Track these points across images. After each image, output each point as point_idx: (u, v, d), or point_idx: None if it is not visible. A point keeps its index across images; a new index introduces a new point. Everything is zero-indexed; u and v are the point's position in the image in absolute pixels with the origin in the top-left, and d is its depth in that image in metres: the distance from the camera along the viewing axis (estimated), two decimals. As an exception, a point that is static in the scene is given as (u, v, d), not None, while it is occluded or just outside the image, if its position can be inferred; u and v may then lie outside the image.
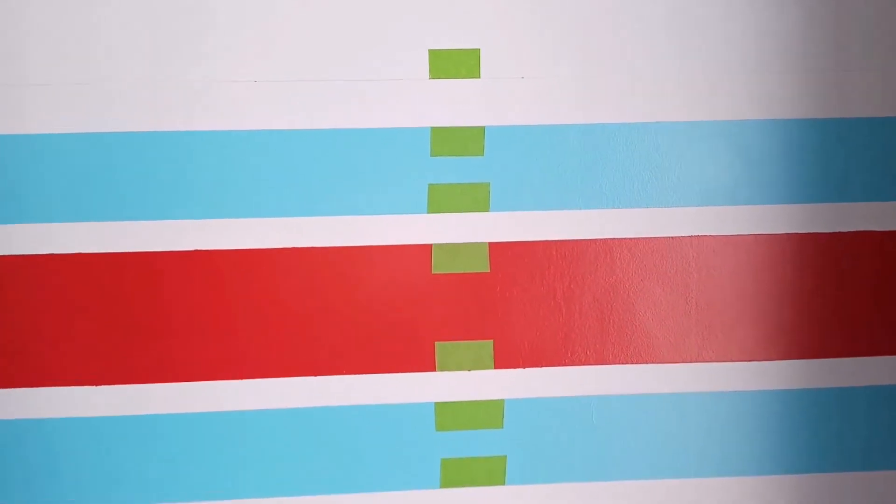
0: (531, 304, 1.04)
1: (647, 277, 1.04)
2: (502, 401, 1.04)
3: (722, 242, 1.05)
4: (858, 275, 1.05)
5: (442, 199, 1.02)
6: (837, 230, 1.05)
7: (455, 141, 1.01)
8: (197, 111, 0.97)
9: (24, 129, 0.96)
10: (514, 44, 1.01)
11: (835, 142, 1.04)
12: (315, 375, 1.02)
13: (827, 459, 1.07)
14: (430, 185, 1.01)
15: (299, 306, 1.01)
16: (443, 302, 1.03)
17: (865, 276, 1.06)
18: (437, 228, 1.02)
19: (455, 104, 1.01)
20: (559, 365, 1.04)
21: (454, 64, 1.01)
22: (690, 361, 1.05)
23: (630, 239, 1.04)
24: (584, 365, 1.04)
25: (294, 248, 1.01)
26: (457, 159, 1.02)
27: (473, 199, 1.02)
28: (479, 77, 1.01)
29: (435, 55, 1.00)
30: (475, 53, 1.01)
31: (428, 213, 1.02)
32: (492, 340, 1.04)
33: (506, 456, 1.05)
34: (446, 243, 1.02)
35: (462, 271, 1.03)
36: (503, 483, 1.05)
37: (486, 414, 1.04)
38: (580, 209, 1.03)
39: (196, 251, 0.99)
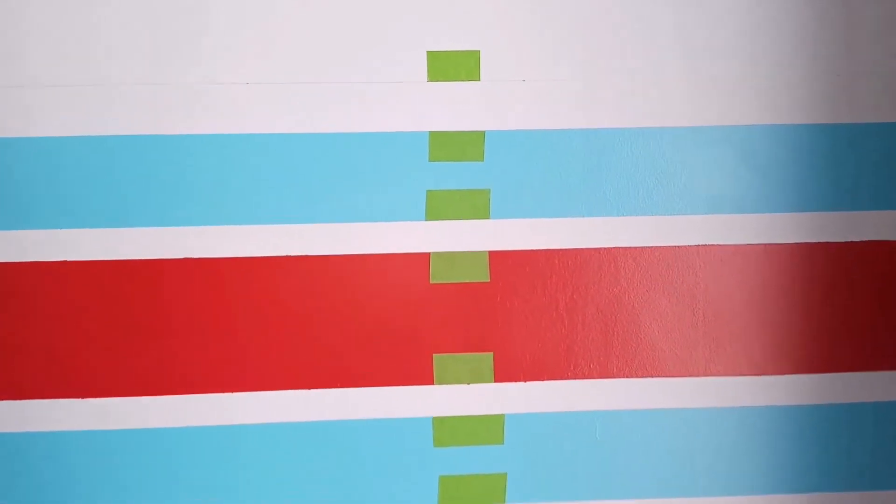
0: (532, 315, 1.03)
1: (653, 288, 1.04)
2: (502, 415, 1.03)
3: (730, 252, 1.04)
4: (870, 286, 1.05)
5: (440, 206, 1.01)
6: (848, 239, 1.04)
7: (454, 145, 1.01)
8: (197, 111, 0.97)
9: (24, 132, 0.97)
10: (514, 45, 1.01)
11: (845, 147, 1.03)
12: (307, 389, 1.02)
13: (837, 477, 1.06)
14: (428, 191, 1.01)
15: (288, 316, 1.01)
16: (441, 312, 1.02)
17: (877, 288, 1.05)
18: (435, 236, 1.01)
19: (454, 107, 1.00)
20: (561, 378, 1.04)
21: (453, 66, 1.00)
22: (697, 375, 1.05)
23: (635, 248, 1.03)
24: (587, 378, 1.04)
25: (285, 257, 1.00)
26: (456, 164, 1.01)
27: (473, 205, 1.01)
28: (479, 79, 1.00)
29: (433, 57, 1.00)
30: (475, 55, 1.00)
31: (426, 220, 1.01)
32: (492, 353, 1.03)
33: (506, 473, 1.04)
34: (445, 252, 1.02)
35: (461, 281, 1.02)
36: (503, 501, 1.04)
37: (486, 429, 1.03)
38: (583, 217, 1.02)
39: (185, 259, 0.99)
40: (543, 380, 1.03)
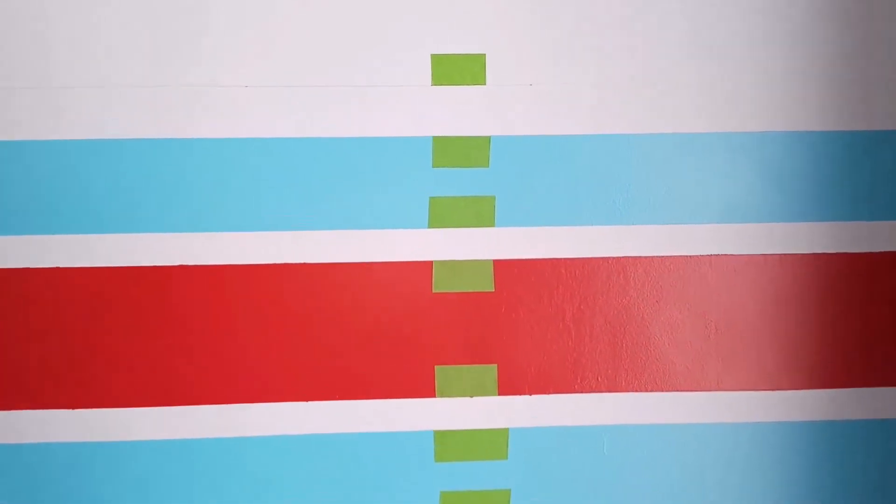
0: (538, 325, 1.02)
1: (663, 299, 1.03)
2: (506, 430, 1.02)
3: (743, 262, 1.03)
4: (887, 298, 1.04)
5: (444, 213, 1.01)
6: (865, 250, 1.03)
7: (458, 151, 1.00)
8: (197, 112, 0.97)
9: (22, 135, 0.97)
10: (521, 48, 1.00)
11: (861, 155, 1.02)
12: (304, 401, 1.01)
13: (851, 496, 1.04)
14: (431, 198, 1.00)
15: (284, 325, 1.00)
16: (444, 323, 1.01)
17: (895, 300, 1.04)
18: (438, 244, 1.01)
19: (458, 112, 1.00)
20: (568, 392, 1.03)
21: (458, 69, 1.00)
22: (709, 389, 1.04)
23: (645, 257, 1.02)
24: (594, 392, 1.03)
25: (283, 265, 1.00)
26: (460, 171, 1.00)
27: (477, 213, 1.01)
28: (485, 83, 1.00)
29: (438, 60, 1.00)
30: (480, 59, 1.00)
31: (429, 227, 1.01)
32: (496, 365, 1.02)
33: (510, 490, 1.03)
34: (448, 260, 1.01)
35: (465, 290, 1.01)
36: (507, 518, 1.03)
37: (489, 444, 1.02)
38: (591, 225, 1.02)
39: (181, 266, 0.99)
40: (549, 393, 1.02)
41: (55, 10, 0.96)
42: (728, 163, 1.02)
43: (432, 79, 0.99)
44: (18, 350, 0.98)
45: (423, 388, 1.01)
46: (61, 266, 0.97)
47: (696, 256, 1.02)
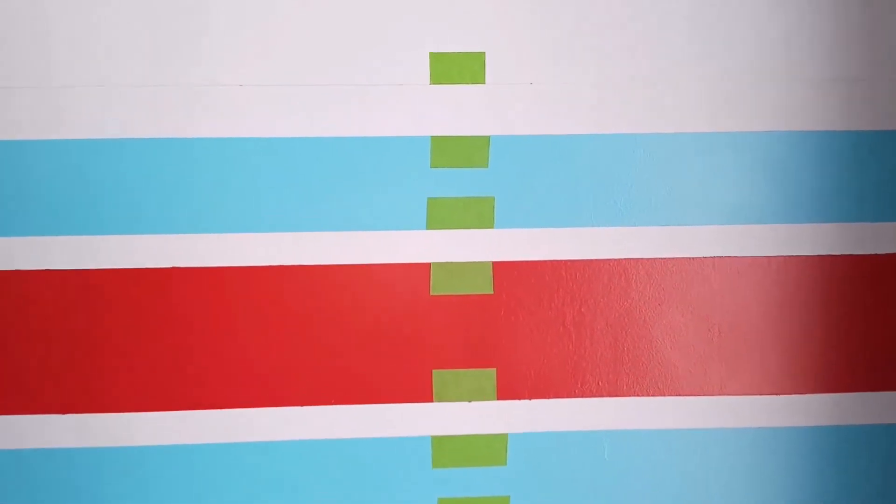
0: (538, 329, 1.02)
1: (666, 301, 1.03)
2: (505, 435, 1.02)
3: (747, 264, 1.03)
4: (893, 301, 1.03)
5: (442, 215, 1.00)
6: (871, 251, 1.03)
7: (457, 151, 1.00)
8: (197, 112, 0.98)
9: (22, 135, 0.97)
10: (521, 47, 1.00)
11: (866, 155, 1.02)
12: (298, 406, 1.00)
13: (856, 501, 1.04)
14: (429, 198, 1.00)
15: (280, 329, 1.00)
16: (442, 326, 1.01)
17: None
18: (436, 246, 1.00)
19: (457, 111, 0.99)
20: (568, 397, 1.02)
21: (457, 68, 0.99)
22: (712, 394, 1.03)
23: (647, 259, 1.02)
24: (595, 397, 1.03)
25: (278, 266, 0.99)
26: (459, 171, 1.00)
27: (476, 214, 1.00)
28: (484, 82, 1.00)
29: (436, 59, 0.99)
30: (480, 57, 0.99)
31: (427, 229, 1.00)
32: (495, 369, 1.02)
33: (509, 496, 1.03)
34: (446, 262, 1.00)
35: (463, 293, 1.01)
36: (506, 525, 1.03)
37: (488, 449, 1.02)
38: (593, 226, 1.01)
39: (173, 268, 0.99)
40: (549, 398, 1.02)
41: (55, 10, 0.96)
42: (731, 163, 1.01)
43: (431, 77, 0.99)
44: (18, 353, 0.98)
45: (420, 392, 1.01)
46: (60, 268, 0.97)
47: (699, 258, 1.02)
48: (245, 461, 1.00)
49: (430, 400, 1.01)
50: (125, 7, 0.97)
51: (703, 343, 1.03)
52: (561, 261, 1.01)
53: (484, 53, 0.99)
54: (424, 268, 1.00)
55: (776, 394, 1.03)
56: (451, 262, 1.00)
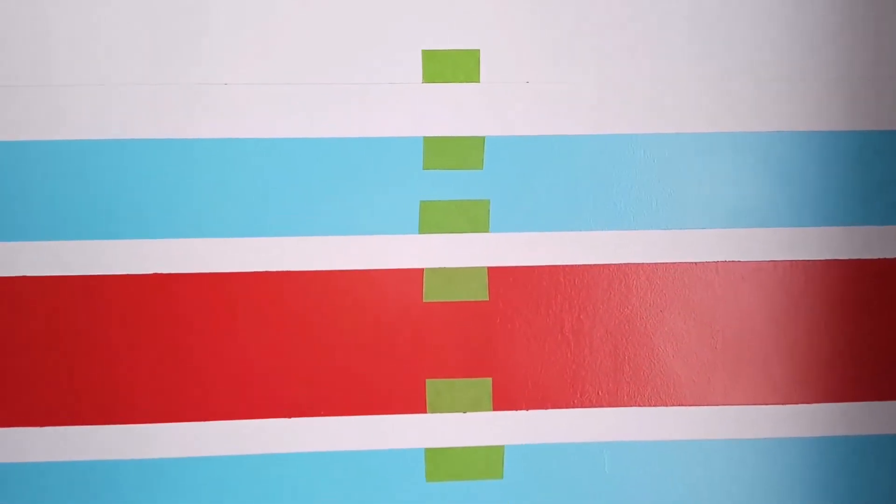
0: (535, 337, 1.02)
1: (667, 308, 1.03)
2: (502, 447, 1.02)
3: (751, 269, 1.03)
4: None
5: (435, 218, 1.00)
6: (879, 256, 1.03)
7: (451, 152, 0.99)
8: (196, 112, 0.98)
9: (23, 135, 0.97)
10: (517, 45, 1.00)
11: (872, 156, 1.02)
12: (287, 417, 1.00)
13: None
14: (421, 201, 0.99)
15: (269, 337, 1.00)
16: (435, 334, 1.01)
17: None
18: (429, 251, 1.00)
19: (451, 111, 0.99)
20: (567, 407, 1.02)
21: (451, 66, 0.99)
22: (715, 404, 1.04)
23: (647, 264, 1.02)
24: (594, 407, 1.03)
25: (267, 272, 0.99)
26: (452, 173, 1.00)
27: (471, 217, 1.00)
28: (479, 81, 0.99)
29: (429, 56, 0.99)
30: (474, 55, 0.99)
31: (419, 233, 1.00)
32: (490, 378, 1.02)
33: None
34: (440, 268, 1.00)
35: (457, 299, 1.01)
36: (502, 540, 1.03)
37: (484, 462, 1.02)
38: (591, 230, 1.01)
39: (169, 274, 0.99)
40: (547, 408, 1.02)
41: (55, 10, 0.96)
42: (734, 164, 1.02)
43: (423, 76, 0.99)
44: (16, 360, 0.99)
45: (413, 402, 1.01)
46: (60, 274, 0.97)
47: (702, 263, 1.02)
48: (231, 475, 1.00)
49: (424, 411, 1.01)
50: (125, 7, 0.97)
51: (705, 351, 1.03)
52: (559, 266, 1.01)
53: (478, 51, 0.99)
54: (417, 273, 1.00)
55: (781, 403, 1.03)
56: (445, 268, 1.00)
